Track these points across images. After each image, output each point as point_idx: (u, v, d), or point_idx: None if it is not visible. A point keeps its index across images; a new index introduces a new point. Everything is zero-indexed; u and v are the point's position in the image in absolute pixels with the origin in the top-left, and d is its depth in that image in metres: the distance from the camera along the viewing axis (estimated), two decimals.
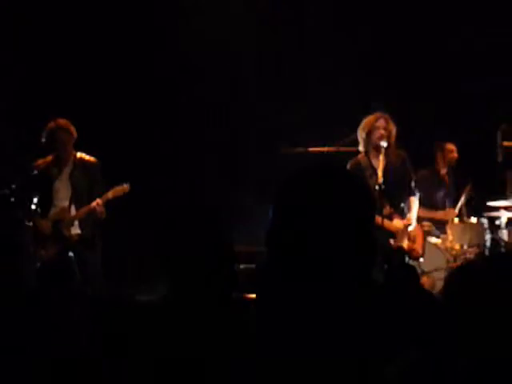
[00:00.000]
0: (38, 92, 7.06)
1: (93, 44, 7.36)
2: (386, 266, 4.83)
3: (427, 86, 7.42)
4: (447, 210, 6.90)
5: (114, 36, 7.40)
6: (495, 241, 6.42)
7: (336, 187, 1.65)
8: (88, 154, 5.88)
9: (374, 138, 5.73)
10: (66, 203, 5.75)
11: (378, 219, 5.37)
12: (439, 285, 5.62)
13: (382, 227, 5.54)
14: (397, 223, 5.85)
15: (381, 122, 5.72)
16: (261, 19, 7.57)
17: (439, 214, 6.85)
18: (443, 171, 7.06)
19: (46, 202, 5.76)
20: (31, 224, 5.75)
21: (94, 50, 7.37)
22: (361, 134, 5.79)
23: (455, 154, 7.04)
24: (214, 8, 7.45)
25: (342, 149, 6.24)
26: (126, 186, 5.78)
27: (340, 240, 1.59)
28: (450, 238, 6.57)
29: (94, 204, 5.65)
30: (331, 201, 1.62)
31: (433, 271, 6.10)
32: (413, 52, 7.53)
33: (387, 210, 5.79)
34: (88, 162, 5.82)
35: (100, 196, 5.70)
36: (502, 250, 6.37)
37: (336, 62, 7.43)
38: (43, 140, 5.70)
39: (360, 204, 1.64)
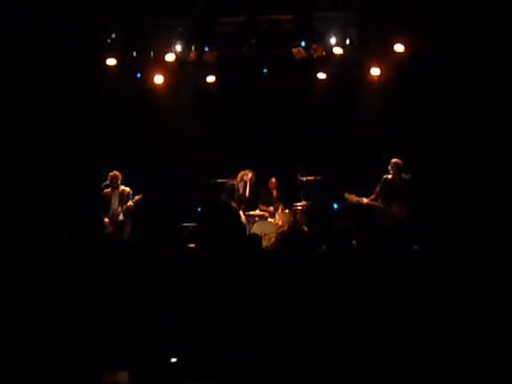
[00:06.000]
0: None
1: None
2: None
3: None
4: (276, 206, 15.08)
5: None
6: (295, 221, 14.71)
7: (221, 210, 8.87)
8: None
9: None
10: (116, 206, 13.50)
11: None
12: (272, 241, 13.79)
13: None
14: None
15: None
16: None
17: (271, 209, 15.02)
18: (274, 192, 15.22)
19: (108, 206, 13.49)
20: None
21: None
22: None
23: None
24: None
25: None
26: (138, 197, 13.49)
27: (224, 226, 8.06)
28: (277, 219, 14.80)
29: (129, 205, 13.39)
30: (218, 212, 8.49)
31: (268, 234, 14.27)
32: None
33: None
34: (124, 190, 13.53)
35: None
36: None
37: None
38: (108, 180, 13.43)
39: (229, 215, 8.77)
